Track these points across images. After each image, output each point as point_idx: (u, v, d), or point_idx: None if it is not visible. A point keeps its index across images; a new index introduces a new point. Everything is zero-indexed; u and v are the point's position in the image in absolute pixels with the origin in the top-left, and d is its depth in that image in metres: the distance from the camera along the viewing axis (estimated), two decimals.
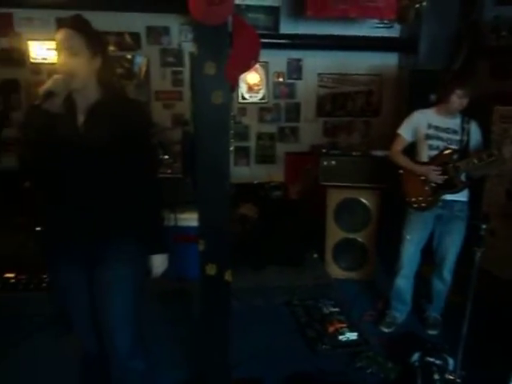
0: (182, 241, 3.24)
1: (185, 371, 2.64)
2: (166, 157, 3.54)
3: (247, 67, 1.92)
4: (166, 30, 4.94)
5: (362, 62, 5.17)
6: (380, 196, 4.01)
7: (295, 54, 5.09)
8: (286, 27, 4.89)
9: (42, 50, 4.81)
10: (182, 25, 4.81)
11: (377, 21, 4.96)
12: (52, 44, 4.90)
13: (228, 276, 2.06)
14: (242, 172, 5.14)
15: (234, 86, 1.99)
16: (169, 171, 3.44)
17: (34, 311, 3.15)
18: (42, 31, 4.78)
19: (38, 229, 4.21)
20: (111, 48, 4.91)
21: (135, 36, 4.89)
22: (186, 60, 4.95)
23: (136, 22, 4.86)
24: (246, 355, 2.76)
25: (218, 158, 1.92)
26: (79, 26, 1.64)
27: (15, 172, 4.73)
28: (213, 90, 1.86)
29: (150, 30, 4.91)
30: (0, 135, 1.72)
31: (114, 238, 1.77)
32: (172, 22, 4.90)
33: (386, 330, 3.27)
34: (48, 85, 1.55)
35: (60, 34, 1.61)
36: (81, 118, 1.70)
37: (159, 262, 1.88)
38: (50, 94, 1.53)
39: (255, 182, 4.95)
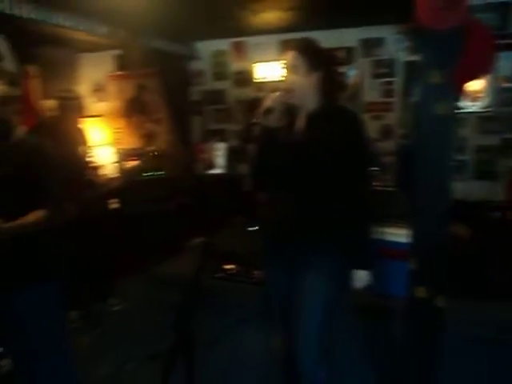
0: (386, 256, 3.13)
1: None
2: (376, 168, 3.50)
3: (479, 74, 1.74)
4: (379, 42, 4.92)
5: None
6: None
7: None
8: None
9: (266, 71, 5.40)
10: (398, 34, 4.70)
11: None
12: (273, 65, 5.46)
13: (440, 302, 1.88)
14: (456, 188, 4.66)
15: (461, 95, 1.82)
16: (378, 183, 3.39)
17: (241, 302, 3.43)
18: (266, 54, 5.38)
19: (250, 229, 4.78)
20: None
21: (349, 50, 5.01)
22: (400, 70, 4.81)
23: (350, 36, 4.98)
24: None
25: (439, 171, 1.79)
26: (300, 47, 1.79)
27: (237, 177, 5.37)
28: (437, 100, 1.75)
29: (364, 43, 4.95)
30: (245, 149, 1.92)
31: (316, 248, 1.78)
32: (386, 33, 4.84)
33: None
34: (266, 103, 1.72)
35: (286, 56, 1.80)
36: (299, 127, 1.81)
37: (361, 277, 1.86)
38: (268, 111, 1.70)
39: (471, 199, 4.44)
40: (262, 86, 5.45)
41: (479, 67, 1.68)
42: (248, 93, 5.54)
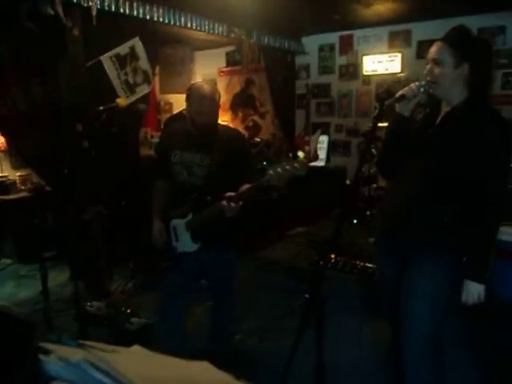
0: (502, 257, 2.98)
1: None
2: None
3: None
4: (500, 30, 4.60)
5: None
6: None
7: None
8: None
9: (374, 64, 5.34)
10: None
11: None
12: (381, 58, 5.37)
13: None
14: None
15: None
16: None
17: (343, 290, 3.49)
18: (375, 46, 5.32)
19: (355, 221, 4.81)
20: None
21: None
22: None
23: (467, 25, 4.71)
24: None
25: None
26: (449, 38, 1.67)
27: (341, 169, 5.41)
28: None
29: (482, 32, 4.66)
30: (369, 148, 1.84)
31: (426, 246, 1.71)
32: (507, 20, 4.51)
33: None
34: (403, 90, 1.67)
35: (432, 47, 1.70)
36: (435, 122, 1.73)
37: (471, 291, 1.65)
38: (401, 98, 1.65)
39: None
40: (369, 78, 5.41)
41: None
42: (354, 86, 5.54)
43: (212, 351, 2.39)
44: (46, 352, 0.49)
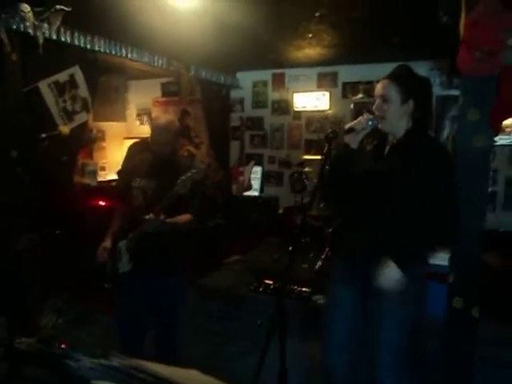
0: (433, 279, 3.29)
1: None
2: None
3: None
4: None
5: None
6: None
7: None
8: None
9: (304, 101, 5.74)
10: (432, 70, 4.97)
11: None
12: (310, 95, 5.79)
13: (475, 312, 2.09)
14: (487, 218, 4.82)
15: (498, 131, 2.06)
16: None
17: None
18: (304, 85, 5.74)
19: (291, 248, 5.00)
20: (360, 95, 5.50)
21: None
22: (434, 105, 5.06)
23: (386, 71, 5.26)
24: None
25: (475, 197, 2.02)
26: (396, 77, 1.78)
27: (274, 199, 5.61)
28: (475, 134, 2.00)
29: None
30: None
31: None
32: (420, 68, 5.10)
33: None
34: (352, 123, 1.78)
35: (379, 84, 1.80)
36: (384, 153, 1.84)
37: (392, 275, 1.73)
38: (350, 130, 1.76)
39: (501, 229, 4.59)
40: (299, 114, 5.79)
41: None
42: (286, 120, 5.90)
43: None
44: (76, 360, 0.55)
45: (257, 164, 6.02)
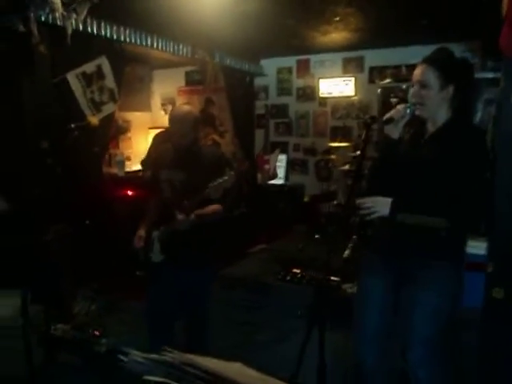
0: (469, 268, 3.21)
1: None
2: None
3: None
4: None
5: None
6: None
7: None
8: None
9: (329, 87, 5.64)
10: (464, 52, 4.79)
11: None
12: (336, 81, 5.68)
13: None
14: None
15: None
16: None
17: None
18: (330, 71, 5.63)
19: (317, 236, 4.95)
20: (387, 80, 5.35)
21: (412, 67, 5.14)
22: None
23: (414, 54, 5.11)
24: None
25: None
26: (434, 61, 1.71)
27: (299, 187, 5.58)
28: None
29: None
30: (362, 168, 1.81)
31: (427, 260, 1.74)
32: (455, 51, 4.94)
33: None
34: (391, 113, 1.71)
35: (417, 69, 1.73)
36: (422, 141, 1.78)
37: (381, 205, 1.72)
38: (389, 120, 1.70)
39: None
40: (325, 100, 5.69)
41: None
42: (311, 107, 5.80)
43: None
44: (125, 353, 0.54)
45: (282, 152, 5.97)
